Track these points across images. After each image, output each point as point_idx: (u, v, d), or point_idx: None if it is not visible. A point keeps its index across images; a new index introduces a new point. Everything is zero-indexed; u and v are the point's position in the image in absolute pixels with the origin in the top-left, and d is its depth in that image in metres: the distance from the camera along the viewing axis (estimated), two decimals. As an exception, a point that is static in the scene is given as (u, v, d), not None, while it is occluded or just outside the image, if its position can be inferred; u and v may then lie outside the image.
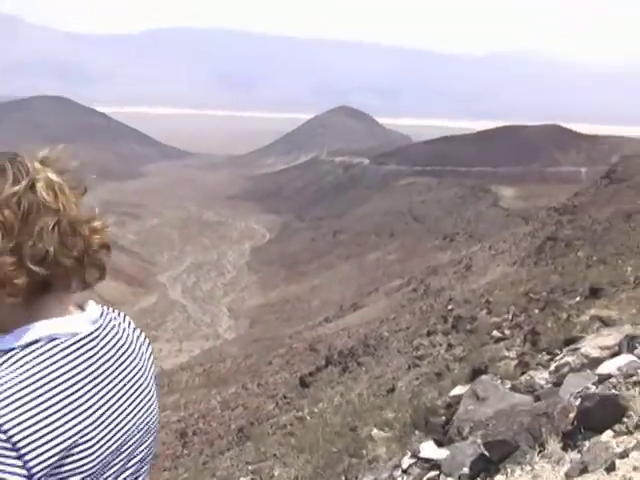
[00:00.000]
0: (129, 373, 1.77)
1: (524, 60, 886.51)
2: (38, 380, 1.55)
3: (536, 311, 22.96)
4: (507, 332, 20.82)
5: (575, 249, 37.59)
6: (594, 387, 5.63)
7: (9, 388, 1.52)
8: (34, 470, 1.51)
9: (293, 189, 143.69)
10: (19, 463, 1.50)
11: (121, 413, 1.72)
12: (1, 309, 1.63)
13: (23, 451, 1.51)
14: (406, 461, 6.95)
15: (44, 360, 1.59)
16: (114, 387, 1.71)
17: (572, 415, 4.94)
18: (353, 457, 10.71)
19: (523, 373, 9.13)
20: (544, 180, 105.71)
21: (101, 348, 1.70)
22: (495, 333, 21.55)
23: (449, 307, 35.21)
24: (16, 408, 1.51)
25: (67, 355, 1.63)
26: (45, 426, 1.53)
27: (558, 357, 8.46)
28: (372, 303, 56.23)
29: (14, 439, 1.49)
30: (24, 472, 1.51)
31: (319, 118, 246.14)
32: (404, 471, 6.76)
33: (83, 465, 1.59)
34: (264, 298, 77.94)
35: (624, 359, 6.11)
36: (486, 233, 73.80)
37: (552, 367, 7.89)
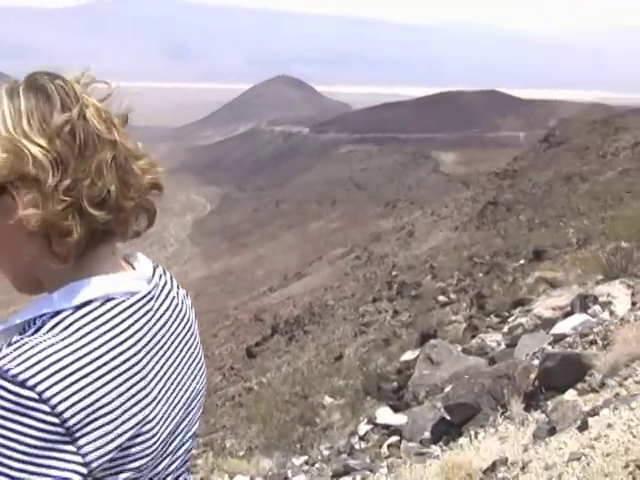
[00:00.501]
0: (184, 338, 1.55)
1: (469, 29, 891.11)
2: (96, 349, 1.30)
3: (480, 275, 23.18)
4: (453, 296, 21.01)
5: (516, 213, 37.95)
6: (550, 347, 5.66)
7: (61, 359, 1.25)
8: (93, 465, 1.27)
9: (233, 160, 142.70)
10: (76, 456, 1.25)
11: (180, 384, 1.50)
12: (44, 262, 1.36)
13: (81, 442, 1.25)
14: (362, 427, 6.95)
15: (101, 325, 1.33)
16: (173, 355, 1.49)
17: (533, 376, 4.96)
18: (307, 425, 10.69)
19: (473, 336, 9.18)
20: (484, 145, 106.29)
21: (157, 310, 1.47)
22: (441, 298, 21.74)
23: (393, 273, 35.34)
24: (70, 385, 1.24)
25: (126, 319, 1.37)
26: (107, 409, 1.28)
27: (510, 319, 8.52)
28: (316, 272, 56.22)
29: (69, 423, 1.24)
30: (81, 466, 1.25)
31: (257, 88, 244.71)
32: (361, 438, 6.74)
33: (144, 450, 1.36)
34: (207, 270, 77.50)
35: (578, 318, 6.16)
36: (428, 199, 74.10)
37: (505, 329, 7.96)
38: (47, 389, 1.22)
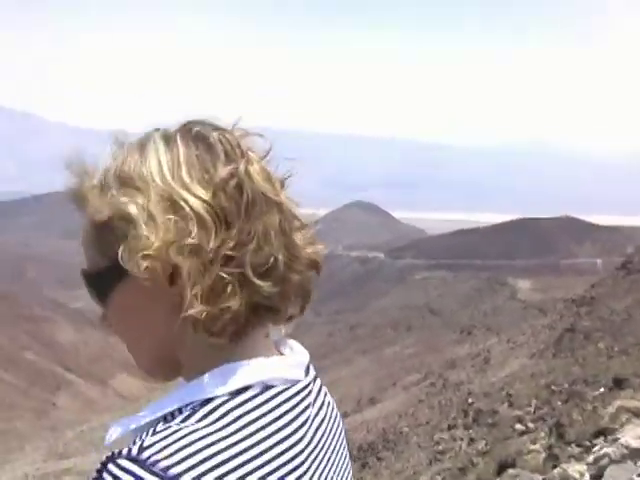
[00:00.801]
0: (339, 441, 1.37)
1: (531, 151, 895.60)
2: (256, 445, 1.09)
3: (559, 403, 22.70)
4: (530, 425, 20.55)
5: (595, 341, 37.28)
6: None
7: (217, 454, 1.05)
8: None
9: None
10: None
11: None
12: (191, 340, 1.18)
13: None
14: None
15: (261, 416, 1.14)
16: (330, 459, 1.29)
17: None
18: None
19: (555, 466, 8.93)
20: (560, 272, 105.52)
21: (315, 404, 1.30)
22: (518, 426, 21.28)
23: (469, 401, 34.86)
24: None
25: (289, 411, 1.19)
26: None
27: (595, 448, 8.29)
28: (390, 397, 55.69)
29: None
30: None
31: (333, 213, 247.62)
32: None
33: None
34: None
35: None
36: (503, 326, 73.37)
37: (590, 459, 7.73)
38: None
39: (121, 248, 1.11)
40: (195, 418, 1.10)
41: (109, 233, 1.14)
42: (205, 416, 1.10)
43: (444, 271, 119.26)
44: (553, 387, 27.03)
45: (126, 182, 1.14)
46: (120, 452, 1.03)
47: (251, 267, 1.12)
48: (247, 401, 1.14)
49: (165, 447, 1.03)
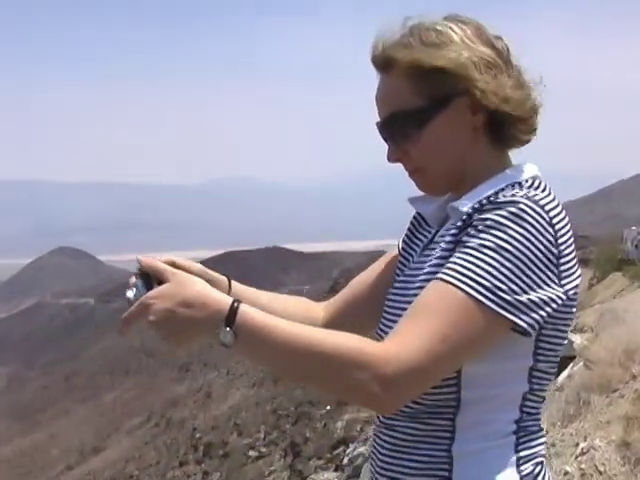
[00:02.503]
0: None
1: (236, 186, 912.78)
2: (561, 208, 1.57)
3: (288, 426, 23.28)
4: (263, 450, 20.96)
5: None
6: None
7: (552, 201, 1.55)
8: (566, 295, 1.55)
9: (18, 337, 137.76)
10: (559, 285, 1.53)
11: None
12: (483, 154, 1.68)
13: (562, 267, 1.55)
14: None
15: (552, 193, 1.60)
16: None
17: None
18: None
19: (306, 478, 9.22)
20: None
21: None
22: (251, 453, 21.63)
23: (197, 435, 34.91)
24: (559, 222, 1.54)
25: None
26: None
27: (348, 450, 8.63)
28: (114, 444, 54.64)
29: (561, 253, 1.53)
30: (562, 293, 1.53)
31: (39, 261, 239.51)
32: None
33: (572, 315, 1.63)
34: (-2, 454, 73.51)
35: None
36: (221, 359, 73.84)
37: (345, 460, 8.04)
38: (554, 217, 1.52)
39: (476, 88, 1.59)
40: (524, 188, 1.60)
41: (435, 79, 1.60)
42: (530, 187, 1.59)
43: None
44: (280, 412, 27.69)
45: (439, 45, 1.61)
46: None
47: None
48: (541, 183, 1.62)
49: (528, 195, 1.54)
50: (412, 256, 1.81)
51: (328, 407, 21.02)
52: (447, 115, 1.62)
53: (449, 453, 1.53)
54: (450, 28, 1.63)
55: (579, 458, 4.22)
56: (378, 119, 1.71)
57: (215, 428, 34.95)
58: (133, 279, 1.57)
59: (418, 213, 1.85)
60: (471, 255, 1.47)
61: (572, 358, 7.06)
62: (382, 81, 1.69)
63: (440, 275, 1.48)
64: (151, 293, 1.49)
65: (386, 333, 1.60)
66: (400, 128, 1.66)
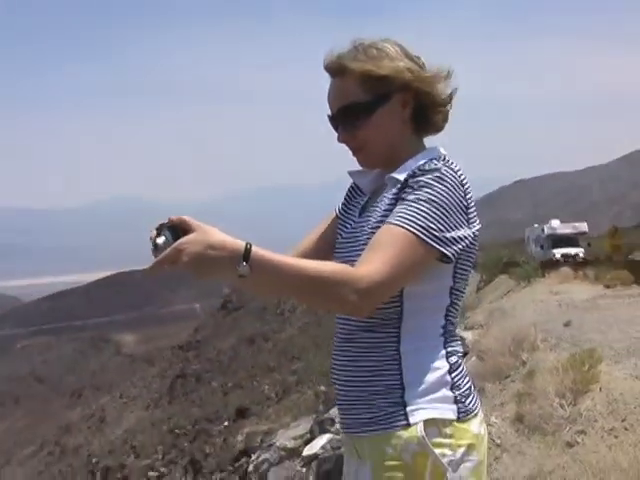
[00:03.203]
0: None
1: (122, 207, 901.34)
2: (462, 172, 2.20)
3: (186, 444, 23.16)
4: (163, 469, 20.80)
5: (206, 381, 38.35)
6: (304, 469, 5.93)
7: (454, 165, 2.17)
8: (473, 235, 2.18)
9: None
10: (469, 228, 2.16)
11: None
12: (409, 140, 2.29)
13: (470, 215, 2.17)
14: None
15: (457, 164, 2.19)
16: None
17: None
18: None
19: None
20: (161, 321, 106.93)
21: None
22: (151, 474, 21.43)
23: (94, 460, 34.30)
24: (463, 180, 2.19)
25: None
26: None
27: (253, 457, 8.68)
28: (7, 476, 53.25)
29: (469, 202, 2.18)
30: (471, 235, 2.16)
31: None
32: None
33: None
34: None
35: (323, 439, 6.51)
36: (113, 382, 72.87)
37: (250, 467, 8.10)
38: (463, 180, 2.16)
39: (410, 86, 2.22)
40: (441, 160, 2.17)
41: (382, 81, 2.21)
42: (445, 161, 2.16)
43: (46, 336, 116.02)
44: (177, 431, 27.48)
45: (380, 58, 2.23)
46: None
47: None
48: (449, 160, 2.20)
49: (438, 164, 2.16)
50: (351, 215, 2.39)
51: (226, 423, 21.02)
52: (387, 108, 2.24)
53: (397, 352, 2.13)
54: (385, 46, 2.26)
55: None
56: (329, 113, 2.30)
57: (112, 452, 34.41)
58: (154, 232, 1.94)
59: (355, 184, 2.46)
60: (410, 206, 2.07)
61: (465, 354, 7.31)
62: (334, 83, 2.29)
63: (390, 220, 2.07)
64: (183, 239, 1.90)
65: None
66: (351, 117, 2.25)
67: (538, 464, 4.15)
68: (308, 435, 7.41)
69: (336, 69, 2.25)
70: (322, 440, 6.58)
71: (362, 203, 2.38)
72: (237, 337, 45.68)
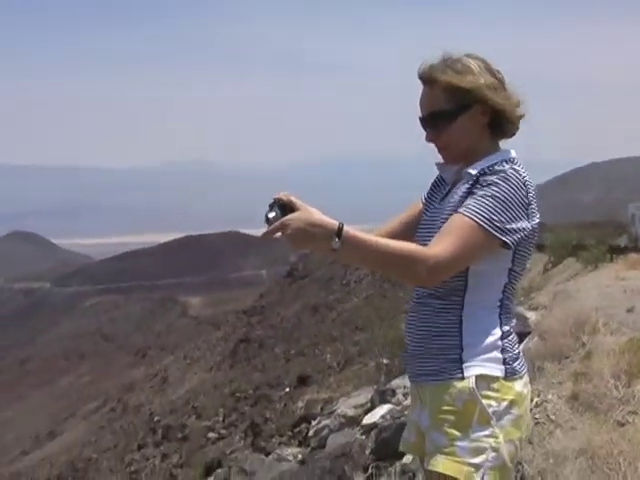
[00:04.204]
0: None
1: (195, 170, 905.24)
2: (526, 175, 2.63)
3: (247, 408, 23.49)
4: (223, 431, 21.13)
5: (269, 347, 38.67)
6: (363, 437, 6.08)
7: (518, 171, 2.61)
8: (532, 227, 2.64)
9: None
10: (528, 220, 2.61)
11: None
12: (487, 142, 2.71)
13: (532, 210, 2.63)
14: None
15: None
16: None
17: (368, 451, 5.34)
18: None
19: (268, 454, 9.40)
20: (228, 286, 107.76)
21: None
22: (211, 435, 21.77)
23: (155, 419, 34.86)
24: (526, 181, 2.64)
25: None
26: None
27: (314, 423, 8.86)
28: (71, 429, 54.37)
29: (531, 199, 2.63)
30: (530, 227, 2.62)
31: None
32: None
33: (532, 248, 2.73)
34: (-49, 441, 72.70)
35: (383, 409, 6.67)
36: (178, 343, 73.76)
37: (310, 432, 8.28)
38: (526, 181, 2.62)
39: (487, 100, 2.64)
40: (509, 162, 2.63)
41: (464, 94, 2.63)
42: (513, 162, 2.63)
43: (114, 295, 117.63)
44: (238, 394, 27.86)
45: (464, 72, 2.65)
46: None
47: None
48: (518, 162, 2.66)
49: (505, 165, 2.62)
50: (434, 202, 2.83)
51: (287, 389, 21.29)
52: (467, 116, 2.66)
53: (459, 318, 2.62)
54: (469, 62, 2.69)
55: (533, 410, 4.88)
56: (420, 115, 2.74)
57: (173, 412, 34.99)
58: (268, 209, 2.45)
59: (440, 176, 2.90)
60: (478, 200, 2.52)
61: (528, 334, 7.40)
62: (425, 90, 2.73)
63: (460, 210, 2.53)
64: (289, 216, 2.41)
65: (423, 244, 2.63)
66: (436, 122, 2.70)
67: (588, 439, 4.46)
68: (369, 404, 7.60)
69: (427, 79, 2.72)
70: (382, 410, 6.76)
71: (444, 192, 2.83)
72: (301, 305, 45.96)
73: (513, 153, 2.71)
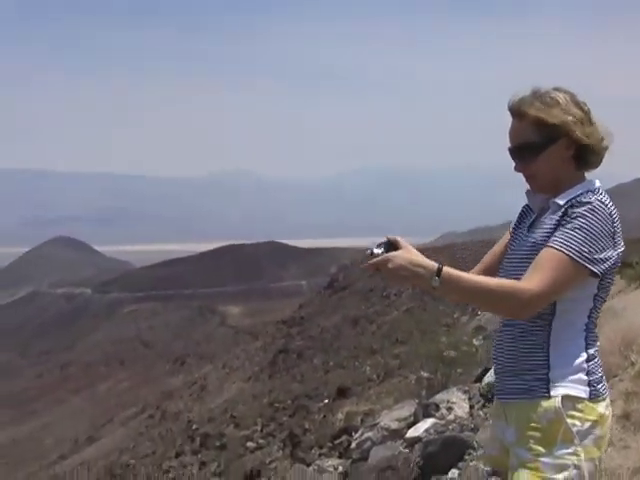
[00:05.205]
0: None
1: (237, 180, 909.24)
2: (613, 205, 2.81)
3: (285, 418, 23.48)
4: (262, 441, 21.11)
5: (308, 358, 38.65)
6: (406, 450, 6.07)
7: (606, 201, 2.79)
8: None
9: (13, 325, 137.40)
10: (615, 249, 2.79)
11: None
12: (572, 173, 2.89)
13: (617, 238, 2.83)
14: None
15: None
16: None
17: (412, 464, 5.33)
18: None
19: (308, 465, 9.39)
20: (268, 296, 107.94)
21: None
22: (249, 444, 21.77)
23: (194, 427, 34.94)
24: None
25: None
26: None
27: (356, 435, 8.85)
28: (108, 434, 54.67)
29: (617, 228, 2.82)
30: (616, 256, 2.80)
31: (35, 250, 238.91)
32: None
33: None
34: (-9, 443, 73.41)
35: (427, 423, 6.65)
36: (217, 352, 74.02)
37: (353, 445, 8.28)
38: (612, 212, 2.78)
39: (573, 134, 2.81)
40: (595, 193, 2.81)
41: (551, 127, 2.79)
42: (598, 192, 2.82)
43: (153, 302, 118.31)
44: (276, 404, 27.85)
45: (552, 106, 2.82)
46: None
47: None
48: (603, 192, 2.84)
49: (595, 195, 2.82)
50: (521, 232, 3.00)
51: (326, 400, 21.24)
52: (553, 148, 2.83)
53: (547, 340, 2.78)
54: (557, 95, 2.84)
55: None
56: (510, 146, 2.92)
57: (211, 420, 35.08)
58: (375, 247, 2.70)
59: (527, 205, 3.05)
60: (567, 233, 2.68)
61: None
62: (514, 123, 2.89)
63: (550, 244, 2.70)
64: (392, 253, 2.65)
65: (510, 274, 2.84)
66: (524, 153, 2.88)
67: (642, 458, 4.49)
68: (412, 418, 7.58)
69: (516, 112, 2.89)
70: (426, 424, 6.75)
71: (531, 220, 3.00)
72: (341, 316, 45.89)
73: (597, 183, 2.88)
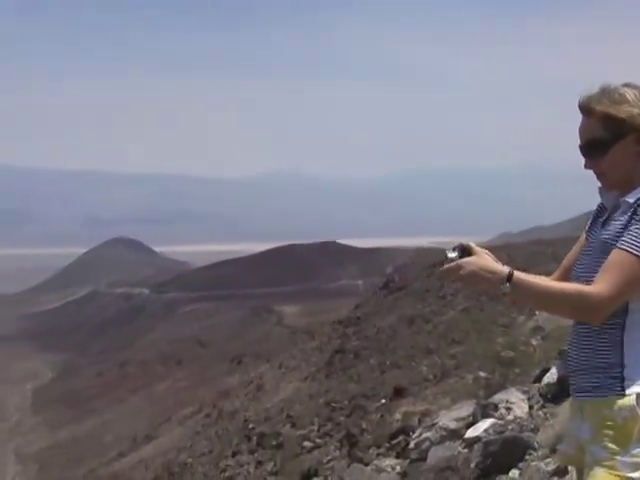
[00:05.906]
0: None
1: (286, 180, 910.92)
2: None
3: (342, 418, 23.45)
4: (318, 441, 21.12)
5: (365, 358, 38.57)
6: (465, 450, 6.05)
7: None
8: None
9: (73, 325, 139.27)
10: None
11: None
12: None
13: None
14: None
15: None
16: None
17: (473, 464, 5.31)
18: None
19: (366, 465, 9.39)
20: (324, 296, 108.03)
21: None
22: (306, 443, 21.80)
23: (250, 426, 35.05)
24: None
25: None
26: None
27: (414, 435, 8.84)
28: (166, 433, 55.16)
29: None
30: None
31: (94, 250, 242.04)
32: None
33: None
34: (52, 439, 74.43)
35: (486, 423, 6.62)
36: (273, 352, 74.13)
37: (411, 445, 8.27)
38: None
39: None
40: None
41: (619, 123, 2.77)
42: None
43: (210, 302, 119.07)
44: (333, 404, 27.83)
45: (620, 102, 2.78)
46: None
47: None
48: None
49: None
50: (595, 230, 3.00)
51: (383, 400, 21.19)
52: (622, 144, 2.80)
53: (621, 338, 2.76)
54: (626, 91, 2.82)
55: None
56: (579, 143, 2.93)
57: (267, 419, 35.15)
58: (450, 251, 2.74)
59: (601, 203, 3.03)
60: (635, 232, 2.66)
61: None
62: (583, 120, 2.89)
63: (619, 245, 2.68)
64: (466, 259, 2.68)
65: (580, 275, 2.88)
66: (593, 149, 2.87)
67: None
68: (470, 418, 7.56)
69: (585, 109, 2.89)
70: (485, 424, 6.73)
71: (604, 218, 2.99)
72: (397, 316, 45.71)
73: None
